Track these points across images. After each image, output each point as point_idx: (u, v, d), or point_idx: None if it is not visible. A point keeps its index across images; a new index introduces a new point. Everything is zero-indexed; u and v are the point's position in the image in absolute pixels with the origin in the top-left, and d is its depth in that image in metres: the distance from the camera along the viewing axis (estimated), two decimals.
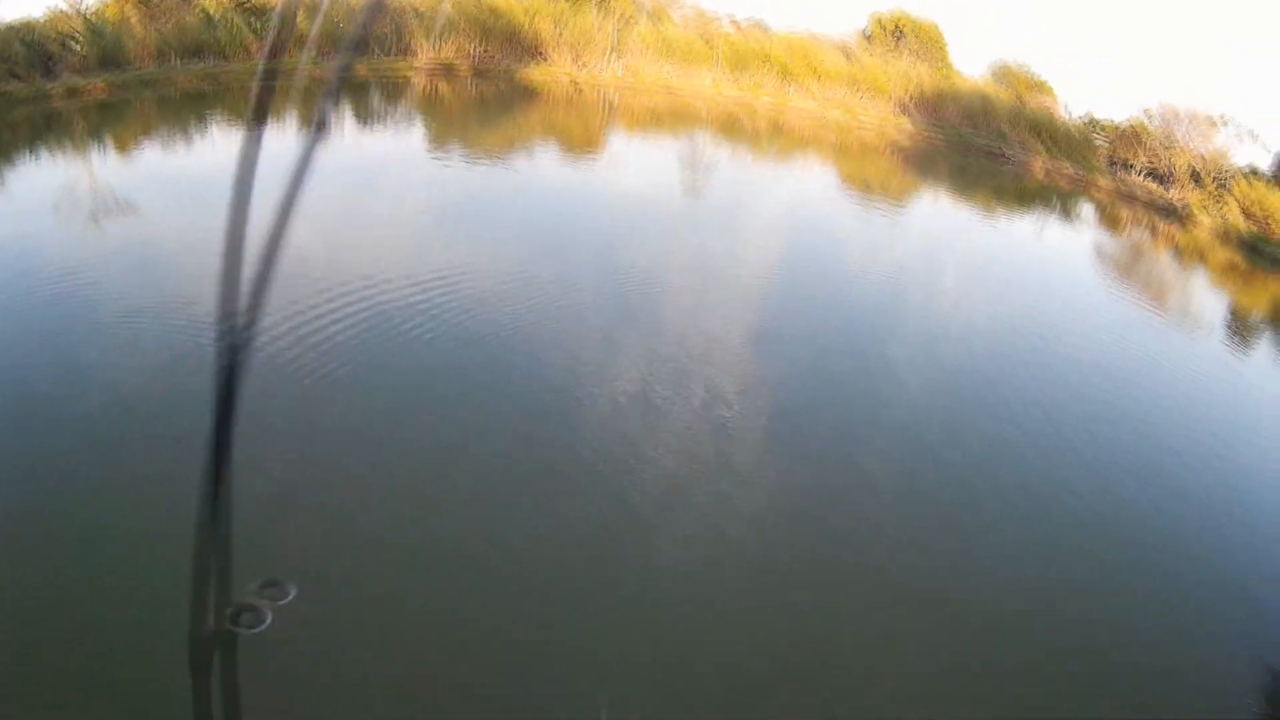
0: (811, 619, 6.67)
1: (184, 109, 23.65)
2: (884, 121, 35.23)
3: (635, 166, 24.81)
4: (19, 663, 4.89)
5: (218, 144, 19.58)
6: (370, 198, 16.50)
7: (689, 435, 8.91)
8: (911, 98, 35.55)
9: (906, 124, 35.11)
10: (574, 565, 6.74)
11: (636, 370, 10.22)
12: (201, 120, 22.49)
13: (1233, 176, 30.09)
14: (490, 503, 7.34)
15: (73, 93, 21.38)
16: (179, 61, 24.67)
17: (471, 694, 5.40)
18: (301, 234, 11.60)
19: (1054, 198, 30.92)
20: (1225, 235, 28.59)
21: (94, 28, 22.88)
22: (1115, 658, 6.82)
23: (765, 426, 9.47)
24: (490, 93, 31.25)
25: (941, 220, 24.65)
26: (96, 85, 22.10)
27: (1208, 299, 22.68)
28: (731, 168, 26.80)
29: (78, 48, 21.90)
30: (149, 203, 14.68)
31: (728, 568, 7.05)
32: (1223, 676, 7.01)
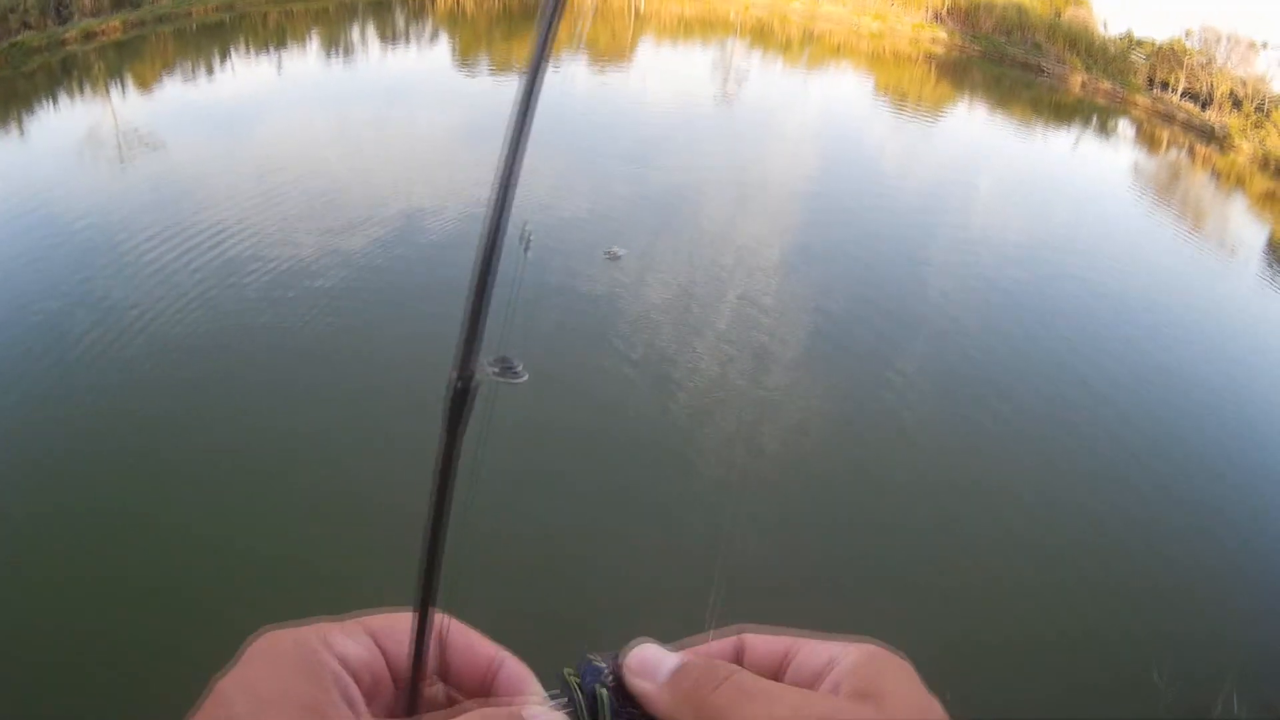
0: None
1: (202, 41, 22.06)
2: (917, 30, 33.76)
3: (666, 76, 23.95)
4: None
5: (239, 73, 19.28)
6: (405, 114, 16.99)
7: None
8: (946, 6, 33.99)
9: (941, 33, 33.68)
10: None
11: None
12: (223, 50, 21.35)
13: (1274, 103, 29.54)
14: None
15: (88, 35, 19.83)
16: None
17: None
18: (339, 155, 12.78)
19: (1091, 113, 30.22)
20: (1264, 162, 28.30)
21: None
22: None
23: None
24: (514, 4, 29.34)
25: (977, 132, 23.98)
26: (112, 25, 20.55)
27: (1247, 225, 21.88)
28: (764, 76, 26.00)
29: None
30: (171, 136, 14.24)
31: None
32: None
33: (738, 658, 0.54)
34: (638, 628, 0.53)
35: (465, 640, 0.55)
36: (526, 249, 0.46)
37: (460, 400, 0.43)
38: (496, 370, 0.43)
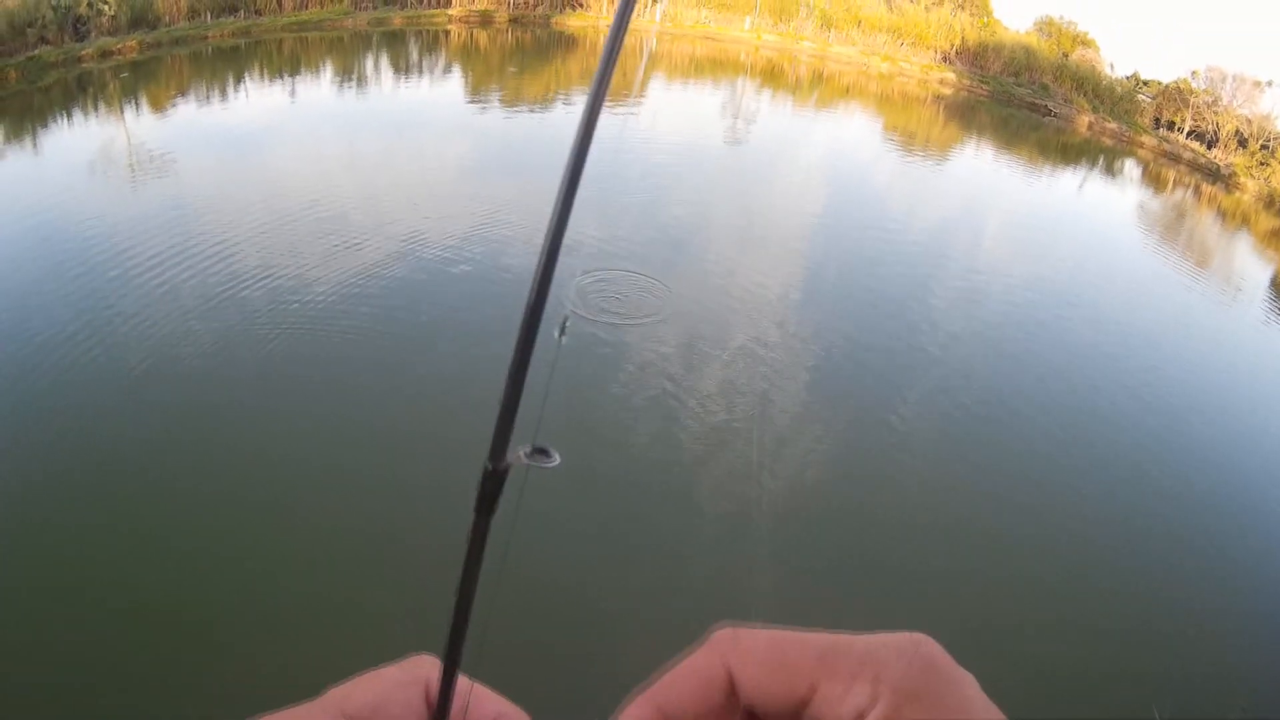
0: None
1: (218, 64, 21.98)
2: (926, 71, 34.18)
3: (677, 115, 23.98)
4: None
5: (252, 98, 19.35)
6: (419, 147, 17.25)
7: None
8: (954, 48, 34.51)
9: (949, 74, 34.12)
10: None
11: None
12: (237, 74, 21.65)
13: (1279, 141, 29.85)
14: None
15: (105, 54, 19.68)
16: (211, 17, 22.76)
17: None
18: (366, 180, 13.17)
19: (1097, 154, 30.40)
20: (1270, 201, 28.44)
21: None
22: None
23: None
24: (528, 41, 29.52)
25: (985, 172, 24.01)
26: (128, 45, 20.51)
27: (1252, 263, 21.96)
28: (774, 116, 26.15)
29: (108, 9, 19.95)
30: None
31: None
32: None
33: (730, 689, 0.45)
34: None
35: (484, 707, 0.48)
36: (561, 334, 0.45)
37: (493, 485, 0.43)
38: (528, 453, 0.42)
